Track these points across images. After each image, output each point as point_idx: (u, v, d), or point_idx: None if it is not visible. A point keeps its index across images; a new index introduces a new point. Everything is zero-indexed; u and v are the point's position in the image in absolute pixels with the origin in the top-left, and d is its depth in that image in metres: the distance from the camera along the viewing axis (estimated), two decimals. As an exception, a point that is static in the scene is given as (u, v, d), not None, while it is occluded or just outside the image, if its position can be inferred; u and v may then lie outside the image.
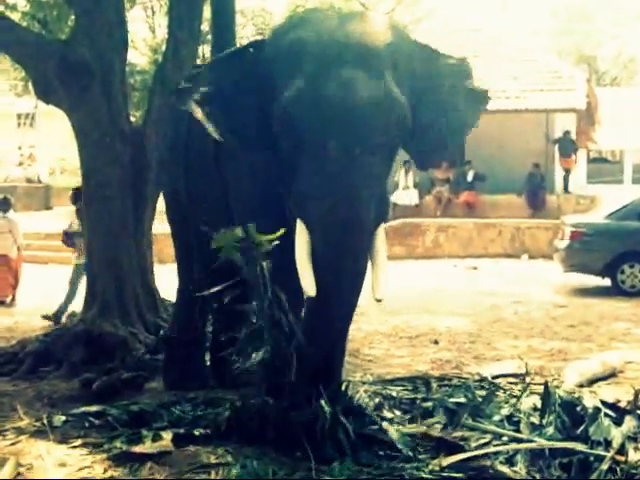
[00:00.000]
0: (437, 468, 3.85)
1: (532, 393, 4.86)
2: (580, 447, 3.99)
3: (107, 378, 5.93)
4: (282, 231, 4.00)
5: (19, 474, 4.20)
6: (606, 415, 4.28)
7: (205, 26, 10.52)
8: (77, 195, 9.50)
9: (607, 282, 11.34)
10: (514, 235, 15.92)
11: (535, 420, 4.39)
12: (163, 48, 9.88)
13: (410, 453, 4.00)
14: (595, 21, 36.14)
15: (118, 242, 7.43)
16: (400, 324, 8.79)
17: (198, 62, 8.47)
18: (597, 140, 21.59)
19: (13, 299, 11.21)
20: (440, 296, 10.96)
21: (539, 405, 4.51)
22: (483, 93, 4.65)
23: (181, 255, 6.12)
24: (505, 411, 4.59)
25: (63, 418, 5.10)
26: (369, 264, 4.12)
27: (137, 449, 4.34)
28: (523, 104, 17.35)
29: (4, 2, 9.75)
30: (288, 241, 4.04)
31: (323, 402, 4.07)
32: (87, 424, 4.96)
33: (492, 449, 4.04)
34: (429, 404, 4.73)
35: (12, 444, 4.71)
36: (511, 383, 5.46)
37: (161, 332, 7.00)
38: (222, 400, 5.00)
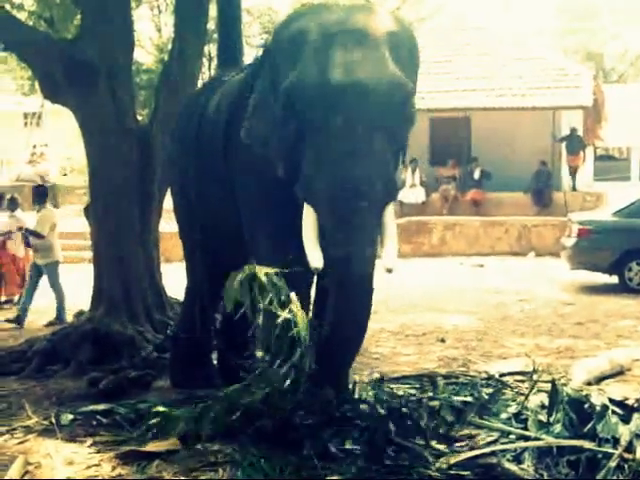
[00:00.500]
0: (445, 466, 3.85)
1: (539, 391, 4.84)
2: (588, 445, 3.98)
3: (114, 377, 5.95)
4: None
5: (27, 472, 4.22)
6: (614, 413, 4.27)
7: (211, 25, 10.52)
8: (39, 195, 9.72)
9: (614, 279, 11.30)
10: (521, 233, 15.89)
11: (543, 418, 4.37)
12: (169, 47, 9.90)
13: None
14: (601, 18, 36.03)
15: (125, 241, 7.44)
16: (407, 322, 8.78)
17: (204, 61, 8.47)
18: (604, 137, 21.51)
19: (20, 298, 11.23)
20: (447, 294, 10.95)
21: (547, 403, 4.50)
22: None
23: (189, 254, 6.13)
24: (512, 409, 4.59)
25: (71, 417, 5.12)
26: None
27: (145, 447, 4.35)
28: (530, 102, 17.31)
29: (11, 1, 9.77)
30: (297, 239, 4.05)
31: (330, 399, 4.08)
32: (95, 423, 4.98)
33: (500, 447, 4.03)
34: (436, 402, 4.72)
35: (20, 442, 4.74)
36: (518, 381, 5.45)
37: (168, 331, 7.01)
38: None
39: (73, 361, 6.75)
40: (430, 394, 4.95)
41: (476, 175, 17.60)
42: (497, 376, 5.49)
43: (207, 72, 15.94)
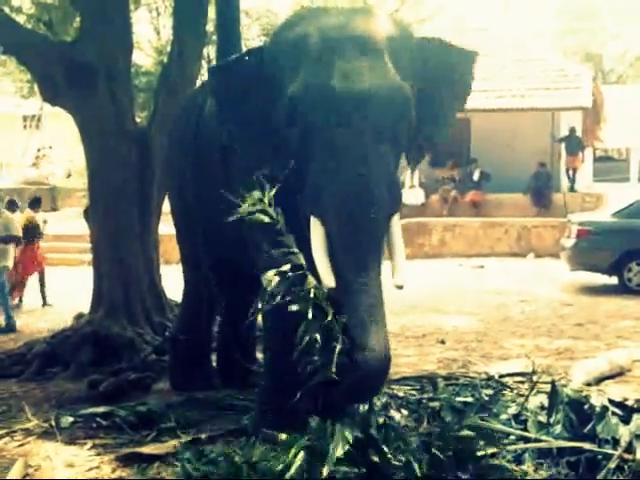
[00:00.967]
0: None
1: (539, 392, 4.84)
2: (588, 446, 3.98)
3: (114, 379, 5.95)
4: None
5: (28, 475, 4.22)
6: (614, 413, 4.26)
7: (210, 27, 10.51)
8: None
9: (614, 280, 11.30)
10: (520, 234, 15.89)
11: (542, 419, 4.37)
12: (168, 49, 9.90)
13: None
14: (600, 19, 36.04)
15: (124, 243, 7.44)
16: (407, 323, 8.79)
17: (203, 63, 8.48)
18: (603, 138, 21.53)
19: (20, 301, 11.23)
20: (446, 295, 10.96)
21: (546, 404, 4.49)
22: (465, 85, 4.55)
23: (187, 256, 6.12)
24: (512, 410, 4.58)
25: (71, 419, 5.13)
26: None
27: (145, 449, 4.36)
28: (529, 103, 17.32)
29: (10, 4, 9.77)
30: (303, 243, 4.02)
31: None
32: (95, 425, 4.98)
33: (500, 448, 4.03)
34: (436, 404, 4.72)
35: (20, 445, 4.74)
36: (518, 382, 5.45)
37: (167, 333, 7.01)
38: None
39: (73, 363, 6.76)
40: (430, 395, 4.95)
41: (475, 176, 17.61)
42: (497, 377, 5.49)
43: (206, 74, 15.93)
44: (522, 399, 4.76)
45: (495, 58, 17.96)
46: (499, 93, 17.45)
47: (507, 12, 37.04)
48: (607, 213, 12.08)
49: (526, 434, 4.20)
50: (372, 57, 3.95)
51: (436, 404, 4.69)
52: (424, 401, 4.84)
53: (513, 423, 4.41)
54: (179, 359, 6.08)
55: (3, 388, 6.35)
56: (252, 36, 19.04)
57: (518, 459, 3.93)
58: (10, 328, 9.32)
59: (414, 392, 5.18)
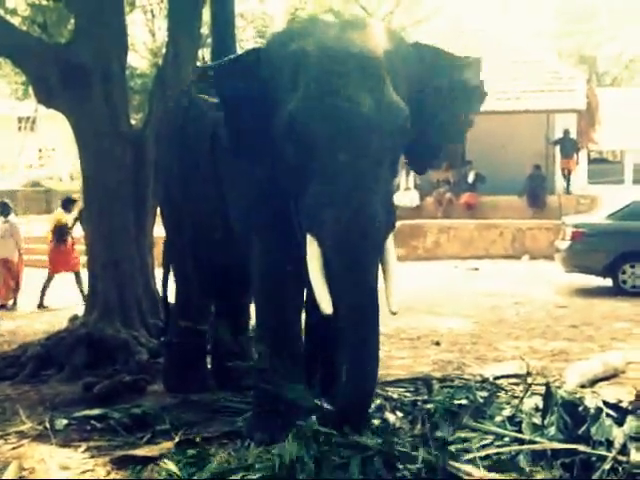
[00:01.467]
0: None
1: (534, 394, 4.84)
2: (582, 447, 3.97)
3: (109, 381, 5.93)
4: None
5: (22, 478, 4.21)
6: (608, 415, 4.27)
7: (205, 29, 10.52)
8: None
9: (608, 282, 11.33)
10: (515, 236, 15.93)
11: (537, 421, 4.37)
12: (163, 51, 9.90)
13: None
14: (595, 22, 36.12)
15: (119, 245, 7.43)
16: (401, 325, 8.78)
17: (198, 65, 8.47)
18: (598, 140, 21.57)
19: (15, 303, 11.23)
20: (441, 297, 10.96)
21: (541, 406, 4.50)
22: (478, 91, 4.60)
23: (177, 258, 6.10)
24: (507, 412, 4.58)
25: (65, 421, 5.12)
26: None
27: (139, 452, 4.35)
28: (523, 105, 17.37)
29: (4, 6, 9.76)
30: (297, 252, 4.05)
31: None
32: (89, 427, 4.97)
33: (494, 450, 4.03)
34: (431, 406, 4.72)
35: (14, 448, 4.72)
36: (513, 384, 5.45)
37: (162, 338, 6.99)
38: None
39: (67, 366, 6.74)
40: (425, 397, 4.95)
41: (470, 178, 17.64)
42: (491, 379, 5.49)
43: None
44: (517, 401, 4.76)
45: (490, 60, 17.99)
46: (494, 95, 17.47)
47: (504, 14, 37.12)
48: (601, 215, 12.10)
49: (520, 436, 4.20)
50: (371, 77, 3.91)
51: (431, 406, 4.70)
52: (419, 403, 4.83)
53: (508, 425, 4.41)
54: (174, 361, 6.07)
55: (-3, 390, 6.34)
56: (247, 38, 19.07)
57: (512, 461, 3.93)
58: None
59: (408, 394, 5.18)
